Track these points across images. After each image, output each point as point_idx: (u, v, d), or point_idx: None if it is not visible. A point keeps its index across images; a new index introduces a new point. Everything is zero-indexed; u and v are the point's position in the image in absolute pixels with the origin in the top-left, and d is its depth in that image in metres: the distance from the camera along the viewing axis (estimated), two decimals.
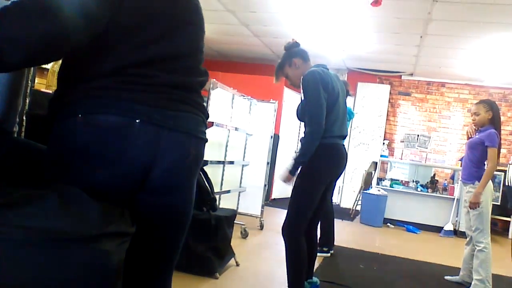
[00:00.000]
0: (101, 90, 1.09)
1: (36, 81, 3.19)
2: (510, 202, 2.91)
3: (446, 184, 7.57)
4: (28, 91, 1.81)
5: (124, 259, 1.17)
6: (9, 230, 0.80)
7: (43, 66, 3.15)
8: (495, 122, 3.75)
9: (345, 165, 2.92)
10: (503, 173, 6.95)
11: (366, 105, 8.73)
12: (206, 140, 1.32)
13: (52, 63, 2.87)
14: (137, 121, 1.10)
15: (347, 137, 4.30)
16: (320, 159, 2.63)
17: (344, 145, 2.88)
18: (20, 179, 1.04)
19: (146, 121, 1.11)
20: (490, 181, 3.75)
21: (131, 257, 1.18)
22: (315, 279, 3.03)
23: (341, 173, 2.97)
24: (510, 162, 2.92)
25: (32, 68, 1.69)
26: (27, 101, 1.82)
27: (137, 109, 1.10)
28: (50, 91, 2.80)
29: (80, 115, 1.08)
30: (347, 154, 2.92)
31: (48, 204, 0.86)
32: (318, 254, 3.81)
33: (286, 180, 2.82)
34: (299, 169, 2.71)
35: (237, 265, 3.73)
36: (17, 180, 1.00)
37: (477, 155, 3.73)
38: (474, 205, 3.65)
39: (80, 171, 1.08)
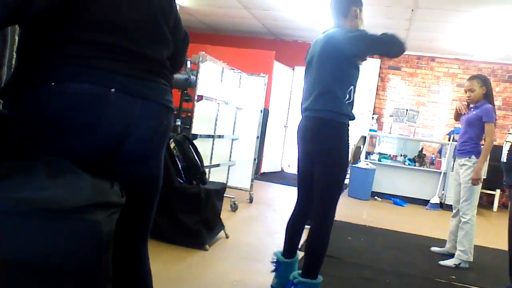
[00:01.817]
0: (76, 58, 1.08)
1: None
2: (506, 177, 2.96)
3: (434, 158, 7.66)
4: (13, 62, 1.77)
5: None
6: None
7: None
8: (489, 96, 3.78)
9: (312, 137, 2.49)
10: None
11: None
12: (174, 110, 1.35)
13: None
14: (112, 90, 1.10)
15: None
16: None
17: (308, 117, 2.51)
18: (7, 151, 1.03)
19: (122, 90, 1.12)
20: None
21: None
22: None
23: (314, 147, 2.49)
24: (506, 139, 2.95)
25: (16, 39, 1.66)
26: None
27: (112, 78, 1.11)
28: None
29: (53, 83, 1.06)
30: (311, 127, 2.49)
31: (37, 175, 0.85)
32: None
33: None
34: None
35: (227, 237, 3.77)
36: (3, 153, 0.99)
37: (476, 131, 3.77)
38: (475, 181, 3.69)
39: (53, 139, 1.07)
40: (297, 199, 2.72)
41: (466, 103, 3.94)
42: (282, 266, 2.70)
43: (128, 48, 1.16)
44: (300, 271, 2.47)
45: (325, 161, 2.44)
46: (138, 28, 1.20)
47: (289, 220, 2.74)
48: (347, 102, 2.45)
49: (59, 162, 0.94)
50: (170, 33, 1.33)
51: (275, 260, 2.74)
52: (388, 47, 2.44)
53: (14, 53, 1.79)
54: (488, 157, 7.04)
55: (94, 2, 1.12)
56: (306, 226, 2.78)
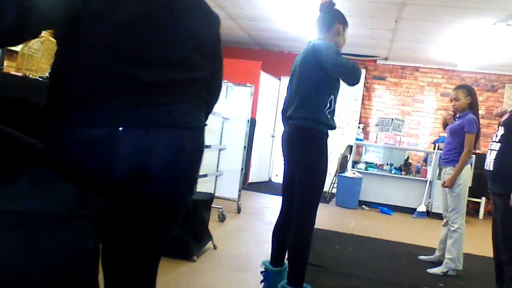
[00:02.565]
0: (80, 102, 1.08)
1: (5, 63, 3.10)
2: (491, 185, 2.99)
3: (419, 167, 7.73)
4: None
5: (117, 242, 1.20)
6: None
7: (12, 48, 3.06)
8: (474, 107, 3.85)
9: (291, 145, 2.57)
10: (474, 156, 7.14)
11: (342, 90, 8.63)
12: (204, 126, 1.31)
13: (21, 46, 2.79)
14: (119, 129, 1.09)
15: None
16: None
17: (291, 125, 2.57)
18: None
19: (130, 126, 1.10)
20: (469, 164, 3.86)
21: (127, 241, 1.22)
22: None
23: (294, 154, 2.57)
24: (489, 148, 2.99)
25: (0, 51, 1.64)
26: None
27: (118, 116, 1.09)
28: (20, 74, 2.72)
29: (66, 130, 1.08)
30: (292, 134, 2.57)
31: (21, 186, 0.84)
32: None
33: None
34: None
35: (215, 248, 3.74)
36: None
37: (458, 141, 3.82)
38: (448, 184, 3.79)
39: (72, 180, 1.07)
40: (282, 206, 2.75)
41: (452, 112, 4.00)
42: (270, 275, 2.70)
43: (135, 76, 1.13)
44: (284, 282, 2.47)
45: (303, 168, 2.49)
46: (152, 53, 1.17)
47: (274, 228, 2.76)
48: (327, 111, 2.50)
49: (44, 173, 0.93)
50: (205, 58, 1.31)
51: (264, 269, 2.73)
52: (353, 77, 2.53)
53: None
54: (473, 165, 7.19)
55: (100, 22, 1.10)
56: None
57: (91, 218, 0.92)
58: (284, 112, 2.74)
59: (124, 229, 1.25)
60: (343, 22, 2.65)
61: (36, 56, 2.95)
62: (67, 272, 0.86)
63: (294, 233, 2.50)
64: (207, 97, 1.37)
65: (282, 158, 2.74)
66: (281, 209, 2.76)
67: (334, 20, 2.62)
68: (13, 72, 2.78)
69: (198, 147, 1.28)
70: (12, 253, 0.81)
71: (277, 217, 2.78)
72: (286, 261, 2.69)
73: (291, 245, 2.49)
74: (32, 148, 1.22)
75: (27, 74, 2.75)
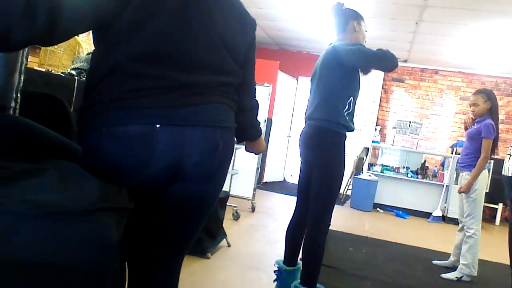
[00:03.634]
0: (119, 101, 1.11)
1: (29, 59, 3.17)
2: (506, 190, 2.96)
3: (436, 171, 7.65)
4: (23, 68, 1.80)
5: (144, 237, 1.28)
6: (10, 203, 0.82)
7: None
8: (493, 112, 3.80)
9: (309, 145, 2.57)
10: (492, 161, 7.04)
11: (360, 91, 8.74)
12: (234, 126, 1.35)
13: None
14: (157, 126, 1.12)
15: None
16: None
17: (310, 126, 2.57)
18: (20, 155, 1.05)
19: (166, 124, 1.14)
20: (486, 170, 3.81)
21: (154, 236, 1.29)
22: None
23: (311, 154, 2.58)
24: (508, 153, 2.95)
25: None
26: (21, 78, 1.82)
27: (155, 114, 1.13)
28: (43, 69, 2.78)
29: (104, 128, 1.11)
30: (310, 134, 2.56)
31: (48, 178, 0.87)
32: None
33: None
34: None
35: (229, 246, 3.77)
36: (16, 156, 1.01)
37: (476, 146, 3.78)
38: (464, 190, 3.76)
39: (110, 179, 1.10)
40: (296, 206, 2.76)
41: (472, 116, 3.96)
42: (284, 274, 2.71)
43: (172, 78, 1.16)
44: (297, 281, 2.49)
45: (320, 168, 2.49)
46: (188, 58, 1.19)
47: (288, 227, 2.78)
48: (346, 112, 2.50)
49: (70, 166, 0.96)
50: (238, 64, 1.34)
51: (277, 268, 2.75)
52: (382, 62, 2.50)
53: (24, 59, 1.82)
54: (491, 171, 7.09)
55: (139, 29, 1.12)
56: None
57: (115, 211, 0.95)
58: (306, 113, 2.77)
59: (153, 225, 1.30)
60: (357, 17, 2.65)
61: (58, 52, 3.01)
62: (91, 262, 0.89)
63: (309, 233, 2.51)
64: (241, 101, 1.41)
65: (299, 158, 2.75)
66: (295, 209, 2.77)
67: (346, 19, 2.63)
68: (36, 67, 2.85)
69: (229, 146, 1.31)
70: (36, 242, 0.84)
71: (290, 217, 2.80)
72: (299, 261, 2.71)
73: (306, 245, 2.50)
74: (57, 141, 1.26)
75: (49, 70, 2.81)
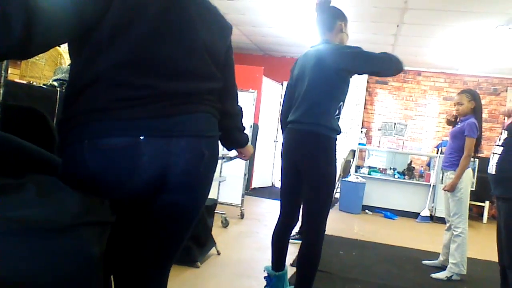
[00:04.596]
0: (101, 112, 1.09)
1: (9, 71, 3.12)
2: (492, 188, 2.98)
3: (423, 171, 7.72)
4: (2, 81, 1.77)
5: (128, 249, 1.26)
6: None
7: None
8: (477, 112, 3.84)
9: (300, 151, 2.49)
10: (477, 160, 7.12)
11: None
12: (218, 135, 1.34)
13: None
14: (141, 137, 1.10)
15: None
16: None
17: (296, 130, 2.52)
18: None
19: (150, 135, 1.12)
20: (470, 168, 3.85)
21: (139, 247, 1.27)
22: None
23: (303, 160, 2.50)
24: (492, 151, 2.99)
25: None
26: (1, 91, 1.78)
27: (138, 125, 1.11)
28: (24, 81, 2.74)
29: (86, 141, 1.08)
30: (301, 140, 2.50)
31: (27, 193, 0.85)
32: (296, 241, 3.89)
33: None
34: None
35: (218, 254, 3.74)
36: None
37: (459, 144, 3.82)
38: (449, 189, 3.79)
39: (91, 192, 1.08)
40: (282, 211, 2.74)
41: (458, 116, 4.00)
42: (274, 280, 2.70)
43: (155, 86, 1.14)
44: (292, 287, 2.47)
45: (315, 174, 2.44)
46: (170, 64, 1.18)
47: (274, 233, 2.77)
48: (336, 117, 2.47)
49: (50, 180, 0.94)
50: (219, 68, 1.33)
51: (266, 274, 2.74)
52: (387, 66, 2.46)
53: (3, 72, 1.79)
54: (476, 169, 7.17)
55: (120, 35, 1.10)
56: (293, 241, 2.76)
57: (96, 225, 0.93)
58: (284, 115, 2.70)
59: (138, 236, 1.28)
60: (344, 18, 2.62)
61: (39, 63, 2.97)
62: (74, 278, 0.87)
63: (306, 239, 2.48)
64: (226, 105, 1.40)
65: (282, 163, 2.67)
66: (281, 215, 2.74)
67: (334, 19, 2.58)
68: (17, 80, 2.80)
69: (214, 156, 1.31)
70: (17, 260, 0.82)
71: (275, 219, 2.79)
72: (286, 265, 2.71)
73: (304, 252, 2.47)
74: (37, 155, 1.23)
75: (31, 82, 2.77)
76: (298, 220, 2.74)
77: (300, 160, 2.51)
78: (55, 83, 2.58)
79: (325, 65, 2.44)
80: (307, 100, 2.49)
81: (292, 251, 3.18)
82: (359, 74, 2.58)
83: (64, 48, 2.94)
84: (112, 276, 1.34)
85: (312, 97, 2.47)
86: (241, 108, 1.59)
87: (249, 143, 1.79)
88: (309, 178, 2.46)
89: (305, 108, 2.48)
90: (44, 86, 2.53)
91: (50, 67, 2.97)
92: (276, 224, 2.76)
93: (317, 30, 2.63)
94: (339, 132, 2.51)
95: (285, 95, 2.81)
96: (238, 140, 1.63)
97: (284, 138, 2.66)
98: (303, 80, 2.54)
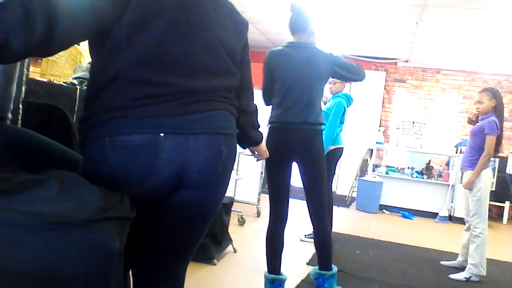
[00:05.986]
0: (121, 109, 1.10)
1: (30, 69, 3.19)
2: (511, 188, 2.93)
3: (441, 171, 7.61)
4: (24, 79, 1.80)
5: (147, 245, 1.28)
6: (10, 215, 0.81)
7: None
8: (498, 110, 3.78)
9: (303, 148, 2.67)
10: (497, 159, 7.00)
11: (361, 93, 8.72)
12: (236, 133, 1.35)
13: None
14: (161, 134, 1.12)
15: (343, 124, 4.29)
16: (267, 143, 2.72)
17: (307, 130, 2.67)
18: (20, 165, 1.05)
19: (170, 132, 1.13)
20: (490, 168, 3.79)
21: (158, 244, 1.29)
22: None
23: (313, 157, 2.71)
24: (511, 151, 2.93)
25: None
26: (23, 89, 1.82)
27: (159, 123, 1.12)
28: (45, 79, 2.79)
29: (107, 138, 1.10)
30: (308, 138, 2.67)
31: (49, 189, 0.87)
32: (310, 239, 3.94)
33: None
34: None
35: (235, 251, 3.75)
36: (17, 167, 1.00)
37: (478, 143, 3.76)
38: (467, 186, 3.78)
39: (114, 189, 1.09)
40: (274, 212, 2.83)
41: (478, 115, 3.94)
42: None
43: (174, 84, 1.15)
44: (316, 268, 2.85)
45: (320, 168, 2.71)
46: (189, 61, 1.19)
47: (268, 235, 2.89)
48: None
49: (71, 176, 0.95)
50: (236, 65, 1.34)
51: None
52: (359, 75, 2.87)
53: (25, 70, 1.82)
54: (496, 169, 7.05)
55: (139, 31, 1.11)
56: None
57: (117, 221, 0.94)
58: (266, 100, 2.94)
59: (156, 232, 1.29)
60: (313, 22, 2.84)
61: (60, 62, 3.02)
62: (93, 273, 0.88)
63: (320, 226, 2.78)
64: (242, 103, 1.41)
65: (275, 162, 2.69)
66: (272, 215, 2.83)
67: (307, 20, 2.79)
68: (38, 78, 2.85)
69: (232, 153, 1.31)
70: (37, 254, 0.84)
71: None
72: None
73: (322, 238, 2.80)
74: (58, 152, 1.25)
75: (51, 80, 2.82)
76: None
77: (307, 156, 2.71)
78: (75, 81, 2.62)
79: (323, 66, 2.70)
80: (304, 99, 2.67)
81: (308, 249, 3.15)
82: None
83: (83, 47, 2.99)
84: (130, 271, 1.36)
85: (309, 94, 2.68)
86: (257, 106, 1.60)
87: (263, 143, 1.80)
88: (315, 172, 2.73)
89: (304, 105, 2.67)
90: (64, 84, 2.57)
91: (70, 65, 3.01)
92: (269, 226, 2.85)
93: (289, 30, 2.86)
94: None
95: (263, 87, 2.92)
96: (252, 138, 1.64)
97: (278, 137, 2.72)
98: (290, 80, 2.70)
